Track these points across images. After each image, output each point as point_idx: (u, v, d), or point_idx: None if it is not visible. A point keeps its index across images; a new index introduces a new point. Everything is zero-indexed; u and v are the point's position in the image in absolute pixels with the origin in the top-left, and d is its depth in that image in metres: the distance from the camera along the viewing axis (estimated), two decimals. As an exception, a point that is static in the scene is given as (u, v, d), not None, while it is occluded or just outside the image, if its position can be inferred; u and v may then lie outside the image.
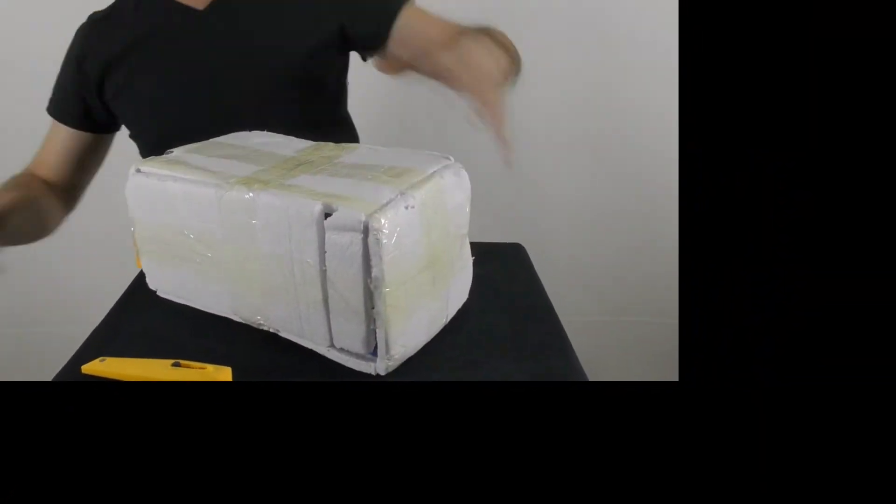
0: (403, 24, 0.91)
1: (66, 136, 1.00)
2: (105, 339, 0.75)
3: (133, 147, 1.04)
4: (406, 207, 0.62)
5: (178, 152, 0.76)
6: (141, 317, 0.79)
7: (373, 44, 0.94)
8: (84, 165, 1.03)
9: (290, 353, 0.69)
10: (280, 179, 0.66)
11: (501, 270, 0.87)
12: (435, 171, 0.67)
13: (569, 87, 1.56)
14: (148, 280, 0.80)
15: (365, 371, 0.66)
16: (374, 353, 0.64)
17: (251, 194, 0.65)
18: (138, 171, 0.73)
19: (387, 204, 0.61)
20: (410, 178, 0.65)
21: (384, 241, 0.59)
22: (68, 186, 1.02)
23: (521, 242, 0.99)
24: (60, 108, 1.00)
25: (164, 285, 0.79)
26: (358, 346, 0.64)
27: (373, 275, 0.60)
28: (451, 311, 0.74)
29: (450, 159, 0.71)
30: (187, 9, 0.94)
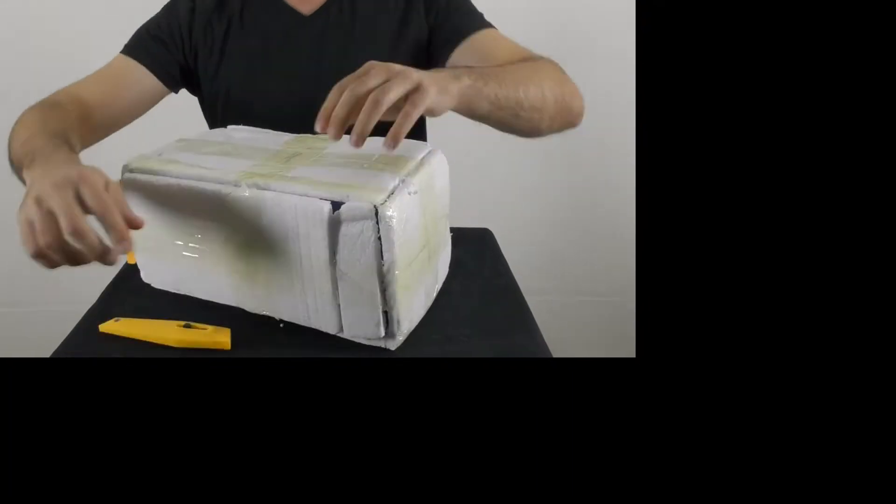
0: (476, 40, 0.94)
1: (133, 74, 0.95)
2: (99, 320, 0.75)
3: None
4: (409, 193, 0.65)
5: (166, 151, 0.75)
6: (133, 298, 0.79)
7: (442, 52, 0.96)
8: (131, 108, 0.98)
9: (286, 330, 0.72)
10: (280, 173, 0.68)
11: (471, 253, 0.90)
12: (423, 158, 0.71)
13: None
14: (143, 275, 0.79)
15: (378, 346, 0.69)
16: (385, 330, 0.68)
17: (257, 191, 0.65)
18: (131, 171, 0.72)
19: (393, 191, 0.64)
20: (405, 165, 0.68)
21: (395, 226, 0.62)
22: (109, 123, 0.96)
23: (488, 227, 1.02)
24: (142, 48, 0.97)
25: (162, 280, 0.79)
26: (371, 328, 0.67)
27: (385, 259, 0.63)
28: (439, 285, 0.79)
29: (428, 146, 0.74)
30: (294, 12, 0.98)
